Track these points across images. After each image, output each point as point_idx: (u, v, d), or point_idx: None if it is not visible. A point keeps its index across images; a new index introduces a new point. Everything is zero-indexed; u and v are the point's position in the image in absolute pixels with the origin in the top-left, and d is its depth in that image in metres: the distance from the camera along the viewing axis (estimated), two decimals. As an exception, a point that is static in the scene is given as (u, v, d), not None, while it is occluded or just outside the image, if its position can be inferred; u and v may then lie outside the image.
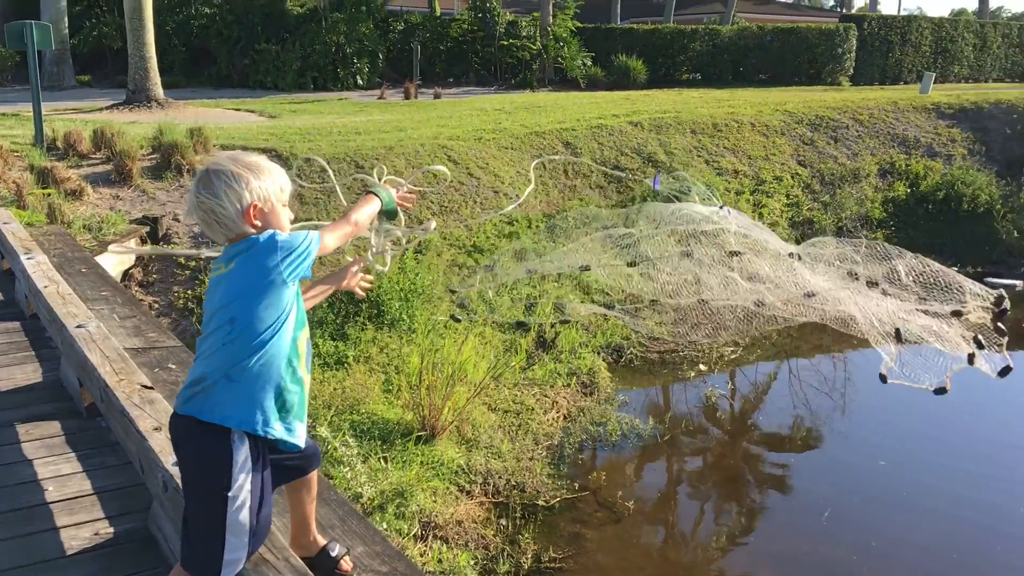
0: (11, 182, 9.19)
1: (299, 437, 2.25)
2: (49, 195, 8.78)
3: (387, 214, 2.67)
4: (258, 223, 2.18)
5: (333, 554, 2.42)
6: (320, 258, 2.37)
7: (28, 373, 4.35)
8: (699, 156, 13.78)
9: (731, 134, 14.64)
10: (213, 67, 24.76)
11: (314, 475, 2.45)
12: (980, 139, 16.17)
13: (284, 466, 2.33)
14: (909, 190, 14.47)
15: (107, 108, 17.24)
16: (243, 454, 2.12)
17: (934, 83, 20.89)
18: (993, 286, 13.18)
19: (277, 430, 2.18)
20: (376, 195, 2.57)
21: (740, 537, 6.22)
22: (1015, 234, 13.94)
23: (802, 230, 13.00)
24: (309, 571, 2.19)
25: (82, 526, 2.92)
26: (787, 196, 13.60)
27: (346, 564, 2.42)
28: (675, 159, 13.39)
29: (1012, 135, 16.30)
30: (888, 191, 14.47)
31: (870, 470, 7.17)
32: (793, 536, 6.22)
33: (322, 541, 2.46)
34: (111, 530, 2.91)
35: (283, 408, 2.20)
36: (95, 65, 25.80)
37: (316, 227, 2.33)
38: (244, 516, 2.13)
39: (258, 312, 2.11)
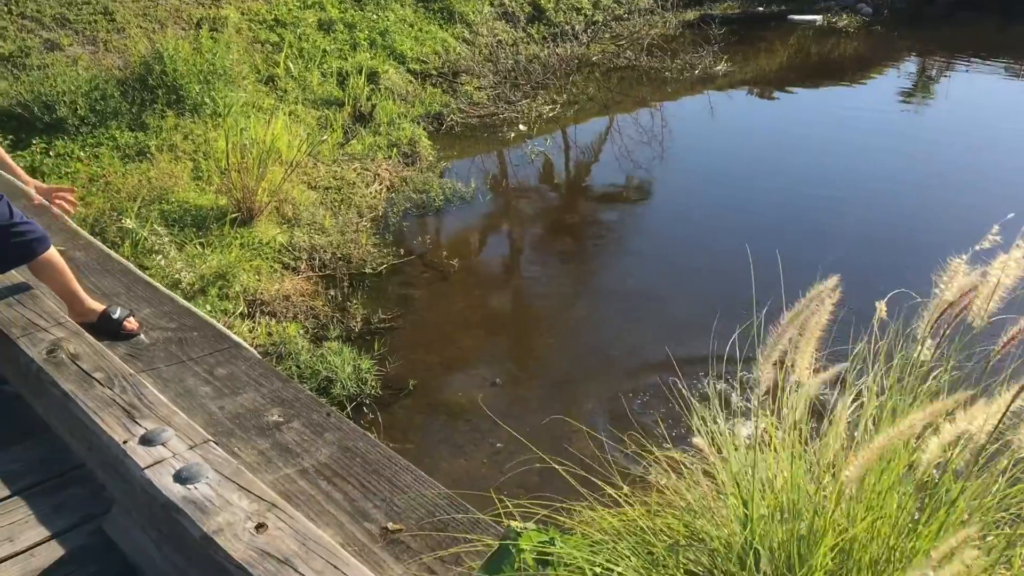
0: None
1: None
2: None
3: None
4: None
5: (115, 316, 2.40)
6: None
7: None
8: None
9: None
10: None
11: (49, 255, 2.39)
12: None
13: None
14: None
15: None
16: None
17: None
18: (795, 24, 13.70)
19: None
20: None
21: (565, 282, 6.56)
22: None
23: (616, -16, 12.87)
24: (80, 328, 2.16)
25: None
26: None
27: (131, 324, 2.41)
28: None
29: None
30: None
31: (694, 209, 7.65)
32: (619, 274, 6.61)
33: (100, 307, 2.43)
34: None
35: None
36: None
37: None
38: None
39: None
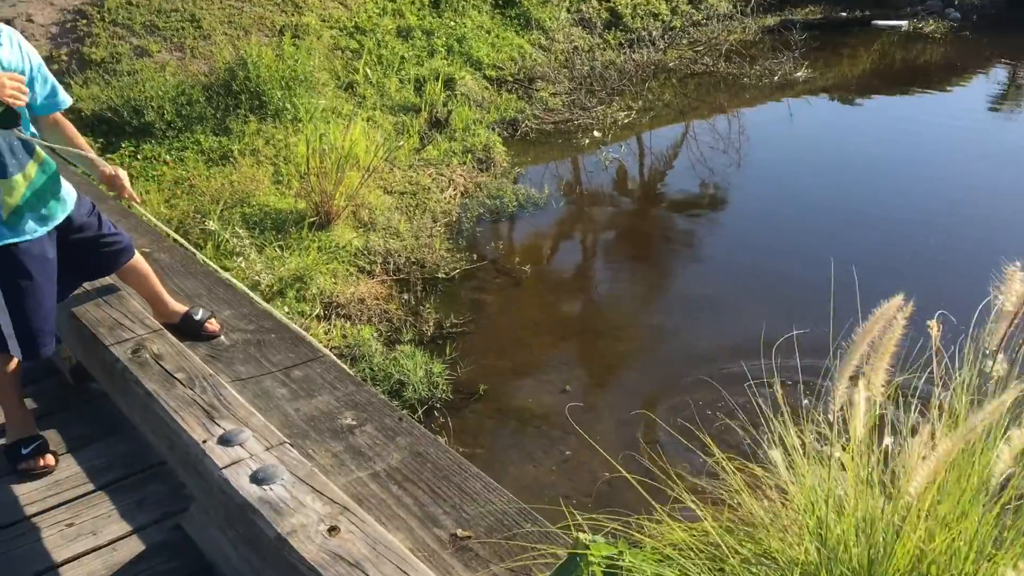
0: None
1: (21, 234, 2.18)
2: None
3: None
4: None
5: (197, 317, 2.48)
6: None
7: None
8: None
9: None
10: None
11: (135, 262, 2.48)
12: None
13: (89, 261, 2.33)
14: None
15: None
16: None
17: None
18: (880, 29, 13.35)
19: None
20: None
21: (637, 288, 6.51)
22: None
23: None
24: (161, 326, 2.24)
25: None
26: (679, -46, 13.21)
27: (212, 325, 2.48)
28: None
29: None
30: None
31: (769, 217, 7.51)
32: (692, 282, 6.53)
33: (183, 309, 2.51)
34: None
35: None
36: None
37: None
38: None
39: None
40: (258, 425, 1.97)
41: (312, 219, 6.46)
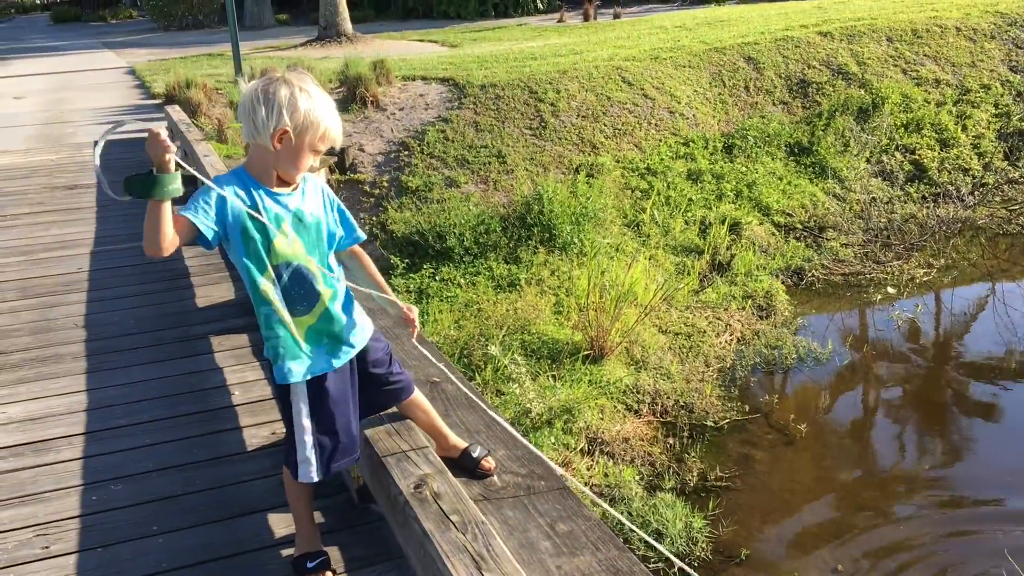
0: (213, 118, 9.95)
1: (298, 374, 2.37)
2: (247, 130, 9.45)
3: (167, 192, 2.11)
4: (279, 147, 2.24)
5: (475, 455, 2.61)
6: None
7: (223, 291, 4.81)
8: (895, 65, 12.82)
9: (932, 40, 13.50)
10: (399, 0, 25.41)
11: (413, 399, 2.68)
12: None
13: (374, 395, 2.58)
14: None
15: (301, 45, 18.13)
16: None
17: None
18: None
19: (279, 374, 2.38)
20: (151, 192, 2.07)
21: (927, 468, 5.92)
22: None
23: (1012, 142, 11.90)
24: (444, 465, 2.36)
25: (261, 426, 3.25)
26: (995, 106, 12.44)
27: (487, 463, 2.60)
28: (868, 70, 12.54)
29: None
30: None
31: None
32: (994, 464, 5.87)
33: (463, 445, 2.65)
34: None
35: (275, 357, 2.36)
36: (292, 4, 27.08)
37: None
38: (305, 420, 2.37)
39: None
40: (521, 582, 2.00)
41: (586, 352, 6.60)
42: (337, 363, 2.40)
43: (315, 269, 2.34)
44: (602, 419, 6.08)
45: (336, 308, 2.38)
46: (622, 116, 10.65)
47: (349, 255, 2.53)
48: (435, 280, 7.74)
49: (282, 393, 2.41)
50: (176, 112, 9.70)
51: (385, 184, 9.14)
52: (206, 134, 9.03)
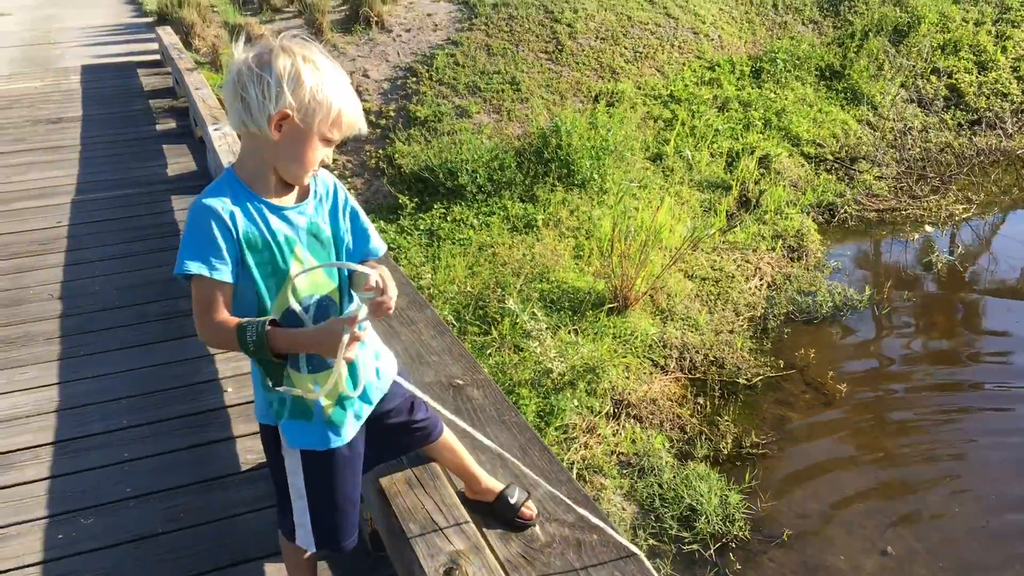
0: (208, 39, 9.29)
1: (321, 439, 1.92)
2: (242, 55, 8.83)
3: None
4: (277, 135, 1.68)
5: (512, 501, 2.13)
6: None
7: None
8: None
9: (974, -49, 12.61)
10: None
11: (443, 440, 2.21)
12: None
13: (393, 439, 2.12)
14: None
15: (299, -42, 17.15)
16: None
17: None
18: None
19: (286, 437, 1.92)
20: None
21: (983, 432, 5.47)
22: None
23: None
24: (480, 536, 1.91)
25: (256, 436, 2.82)
26: (1040, 24, 11.67)
27: (528, 511, 2.13)
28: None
29: None
30: None
31: None
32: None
33: (498, 487, 2.17)
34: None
35: (280, 411, 1.90)
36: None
37: None
38: (299, 483, 1.93)
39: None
40: None
41: (611, 305, 6.15)
42: (353, 430, 1.96)
43: (337, 299, 1.85)
44: (627, 378, 5.67)
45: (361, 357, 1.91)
46: (643, 38, 9.95)
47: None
48: (447, 221, 7.23)
49: (268, 436, 1.97)
50: (168, 35, 9.04)
51: (392, 114, 8.55)
52: (199, 60, 8.41)
